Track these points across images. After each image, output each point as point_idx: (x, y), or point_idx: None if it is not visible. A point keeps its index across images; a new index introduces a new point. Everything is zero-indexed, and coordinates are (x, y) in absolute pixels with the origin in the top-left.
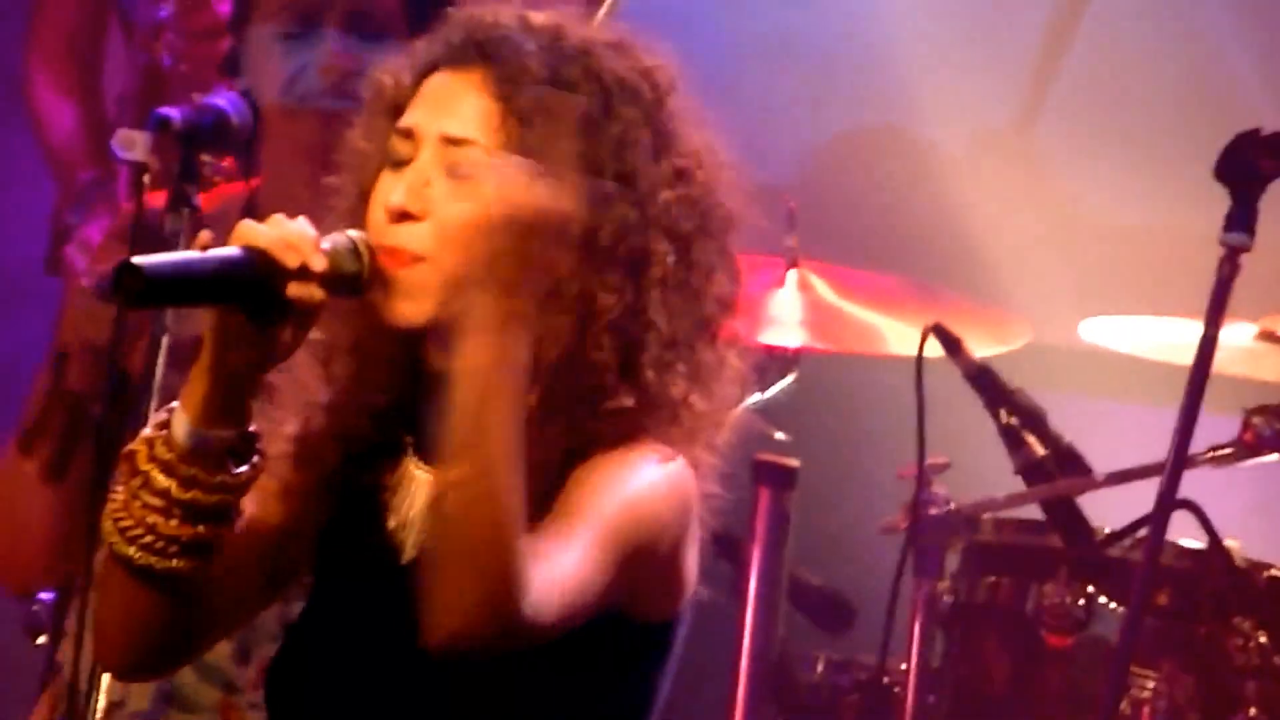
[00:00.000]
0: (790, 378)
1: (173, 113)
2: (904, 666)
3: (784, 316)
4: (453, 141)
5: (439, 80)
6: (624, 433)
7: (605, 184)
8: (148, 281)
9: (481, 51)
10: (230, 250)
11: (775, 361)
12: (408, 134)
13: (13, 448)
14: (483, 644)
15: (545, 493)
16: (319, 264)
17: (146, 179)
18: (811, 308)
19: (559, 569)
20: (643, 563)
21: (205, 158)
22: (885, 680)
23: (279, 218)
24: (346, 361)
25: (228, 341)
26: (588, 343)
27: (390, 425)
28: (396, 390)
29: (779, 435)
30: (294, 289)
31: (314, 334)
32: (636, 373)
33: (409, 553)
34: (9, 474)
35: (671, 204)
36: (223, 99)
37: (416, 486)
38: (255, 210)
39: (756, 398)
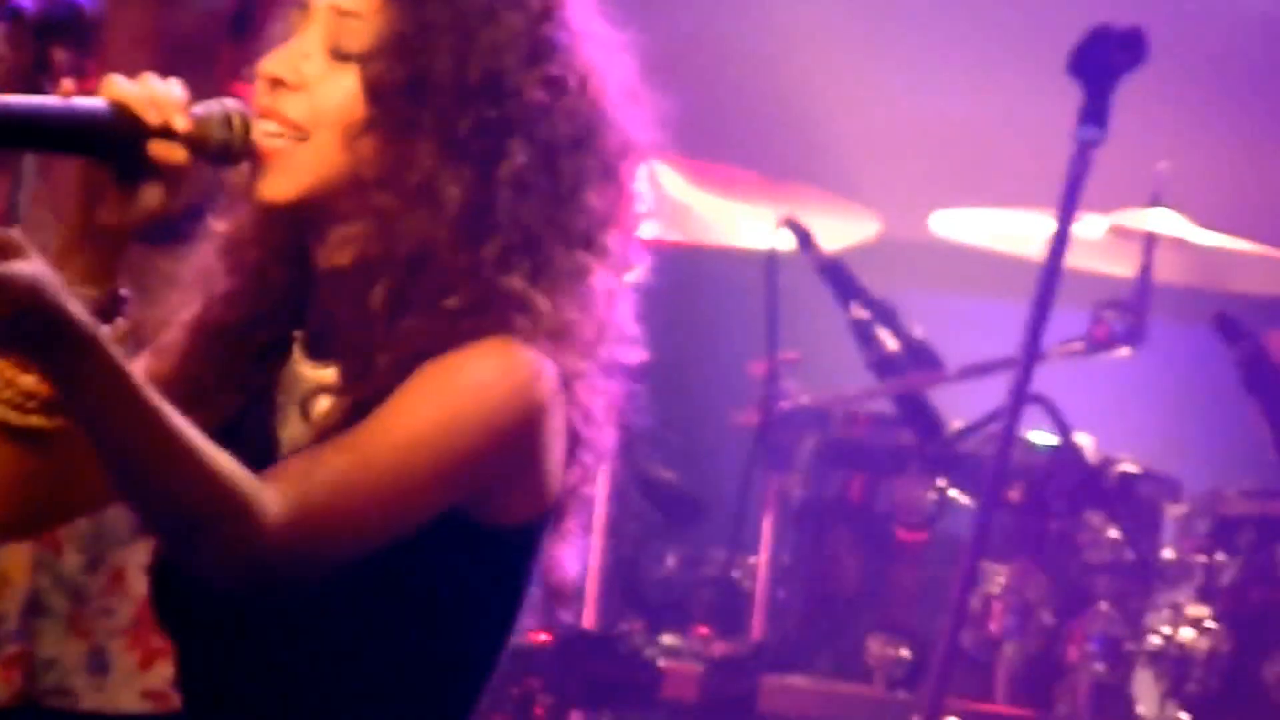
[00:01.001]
0: (637, 269)
1: (25, 3)
2: (754, 561)
3: None
4: (344, 14)
5: None
6: (476, 334)
7: (466, 80)
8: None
9: None
10: (93, 101)
11: None
12: (302, 7)
13: None
14: (248, 579)
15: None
16: (182, 124)
17: None
18: (663, 200)
19: (318, 482)
20: (463, 468)
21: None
22: (736, 575)
23: (148, 75)
24: (244, 252)
25: (94, 198)
26: (432, 237)
27: (283, 322)
28: (288, 285)
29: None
30: (156, 147)
31: (218, 226)
32: (476, 268)
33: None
34: None
35: (536, 109)
36: None
37: (301, 381)
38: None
39: None
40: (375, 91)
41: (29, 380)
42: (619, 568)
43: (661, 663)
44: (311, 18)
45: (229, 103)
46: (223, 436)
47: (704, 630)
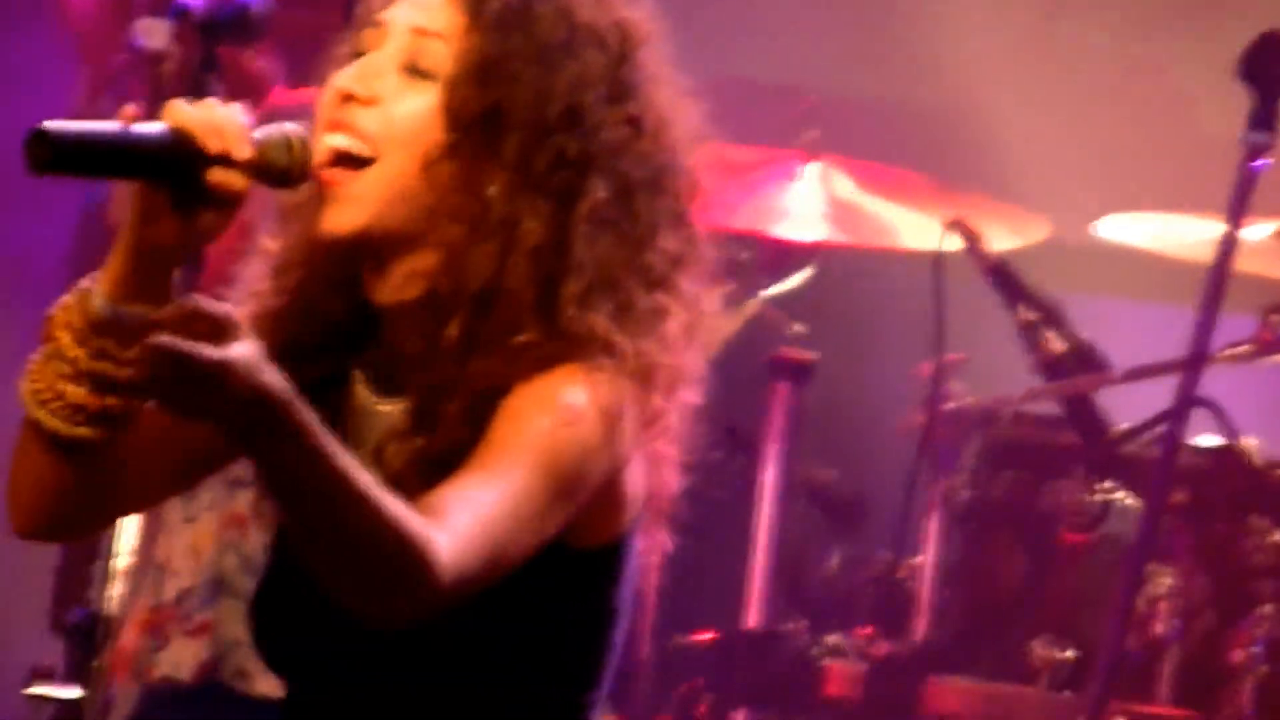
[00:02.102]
0: (807, 271)
1: (194, 2)
2: (918, 562)
3: (803, 210)
4: (422, 33)
5: None
6: (549, 368)
7: (548, 114)
8: (54, 149)
9: None
10: (153, 127)
11: (793, 255)
12: (378, 25)
13: None
14: (411, 621)
15: (471, 430)
16: (243, 152)
17: (166, 69)
18: (831, 201)
19: (474, 519)
20: (573, 489)
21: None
22: (900, 576)
23: (211, 101)
24: (297, 274)
25: (149, 218)
26: (507, 272)
27: (337, 354)
28: (343, 316)
29: (796, 329)
30: (214, 174)
31: (271, 244)
32: (555, 306)
33: None
34: None
35: (616, 147)
36: None
37: (368, 417)
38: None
39: (773, 291)
40: (456, 116)
41: (79, 392)
42: (783, 568)
43: (825, 662)
44: (386, 36)
45: (289, 127)
46: None
47: (868, 630)
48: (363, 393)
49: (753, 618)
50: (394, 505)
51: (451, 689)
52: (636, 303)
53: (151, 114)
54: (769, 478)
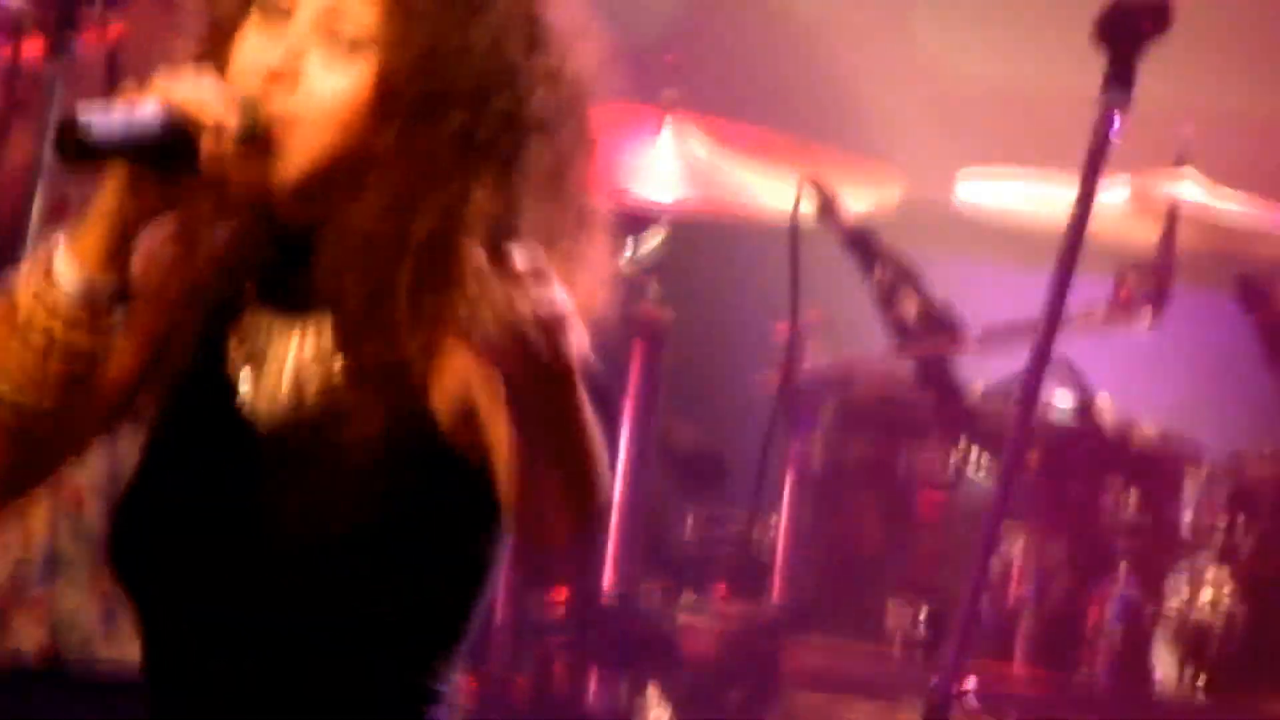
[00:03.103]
0: (663, 231)
1: None
2: (775, 523)
3: (660, 169)
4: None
5: None
6: None
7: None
8: (88, 141)
9: None
10: (150, 109)
11: (650, 215)
12: None
13: None
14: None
15: (434, 358)
16: (233, 122)
17: (25, 24)
18: (687, 161)
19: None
20: None
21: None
22: (756, 537)
23: (192, 72)
24: (199, 209)
25: (134, 192)
26: (456, 229)
27: (236, 276)
28: (244, 241)
29: (652, 289)
30: (208, 146)
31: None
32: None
33: (266, 423)
34: None
35: (544, 102)
36: None
37: (267, 336)
38: (116, 62)
39: (631, 252)
40: (394, 96)
41: (49, 365)
42: (639, 528)
43: (681, 622)
44: (298, 3)
45: (242, 88)
46: (178, 386)
47: (724, 590)
48: (257, 309)
49: (609, 578)
50: None
51: (319, 624)
52: (573, 242)
53: (9, 78)
54: (625, 438)
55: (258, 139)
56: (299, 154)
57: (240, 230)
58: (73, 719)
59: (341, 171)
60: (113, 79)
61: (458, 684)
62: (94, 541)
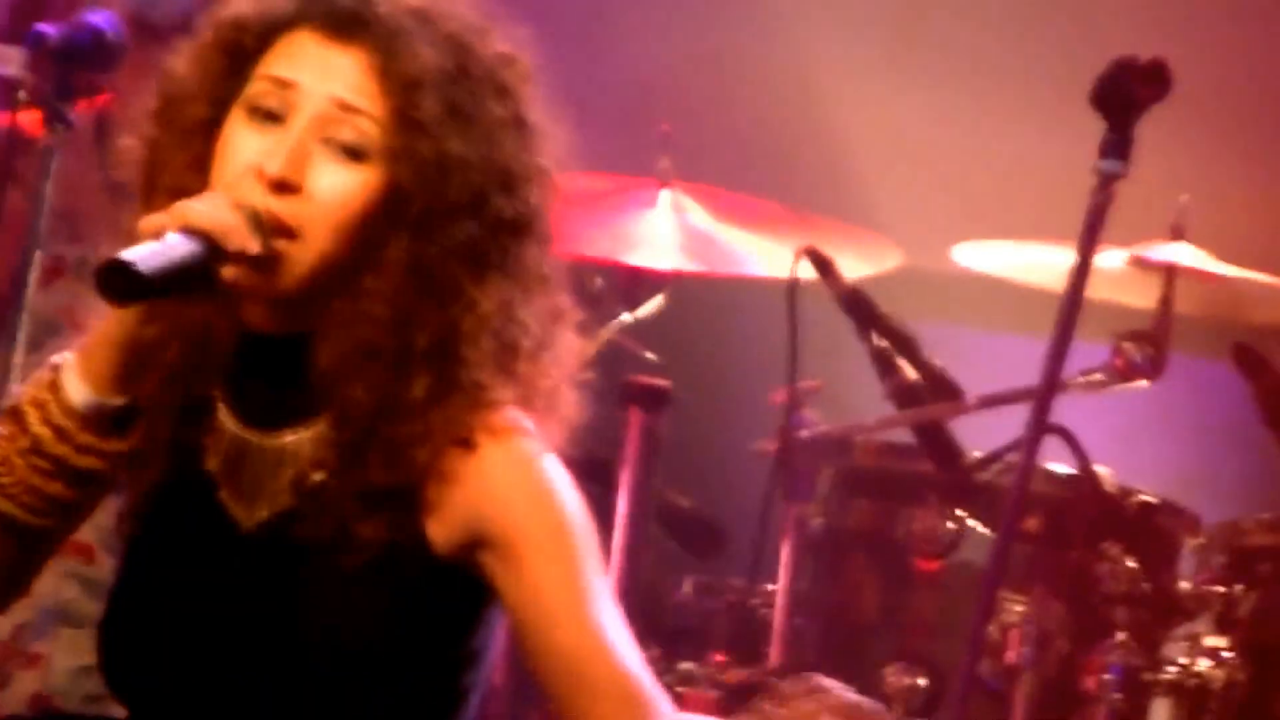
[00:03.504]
0: (660, 299)
1: (49, 29)
2: (772, 589)
3: (657, 238)
4: (347, 108)
5: (312, 41)
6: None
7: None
8: (136, 281)
9: (366, 29)
10: (185, 242)
11: (647, 283)
12: (286, 85)
13: None
14: None
15: (433, 482)
16: (254, 247)
17: (21, 95)
18: (685, 230)
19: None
20: None
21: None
22: (754, 603)
23: (213, 197)
24: (193, 328)
25: (150, 319)
26: (466, 340)
27: (202, 382)
28: (211, 345)
29: (650, 356)
30: (229, 272)
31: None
32: (513, 368)
33: (248, 521)
34: None
35: (533, 201)
36: (100, 17)
37: (233, 443)
38: (105, 126)
39: (628, 319)
40: (399, 208)
41: (54, 487)
42: (636, 595)
43: (678, 689)
44: (298, 102)
45: (250, 203)
46: (155, 502)
47: (721, 657)
48: (227, 417)
49: None
50: None
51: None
52: (559, 345)
53: (9, 147)
54: (623, 505)
55: (269, 256)
56: (301, 264)
57: (208, 337)
58: None
59: (339, 281)
60: (101, 142)
61: None
62: (105, 593)
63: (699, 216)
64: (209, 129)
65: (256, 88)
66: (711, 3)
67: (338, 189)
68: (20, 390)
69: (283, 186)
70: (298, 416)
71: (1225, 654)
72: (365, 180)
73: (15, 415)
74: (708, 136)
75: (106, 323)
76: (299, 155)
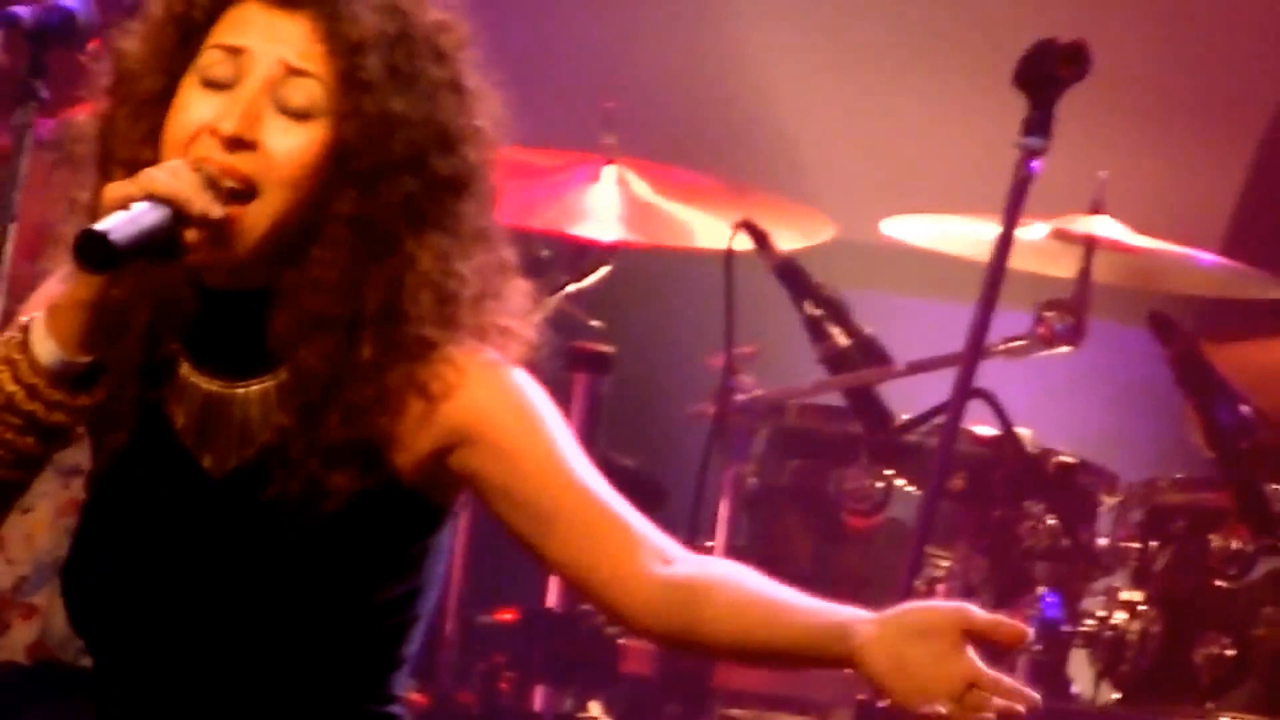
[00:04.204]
0: (605, 269)
1: (23, 11)
2: (710, 545)
3: (601, 211)
4: (294, 71)
5: (259, 10)
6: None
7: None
8: (110, 251)
9: None
10: (153, 210)
11: (591, 254)
12: (235, 52)
13: None
14: None
15: (395, 420)
16: (217, 211)
17: None
18: (628, 203)
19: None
20: None
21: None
22: None
23: (175, 164)
24: (153, 291)
25: (113, 281)
26: (404, 298)
27: (159, 337)
28: (170, 306)
29: (594, 324)
30: (192, 234)
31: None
32: (452, 314)
33: (217, 470)
34: None
35: (470, 160)
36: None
37: (197, 396)
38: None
39: (573, 288)
40: (344, 163)
41: (26, 441)
42: None
43: (620, 640)
44: (248, 66)
45: (204, 165)
46: (126, 456)
47: None
48: (190, 372)
49: (553, 597)
50: None
51: (263, 658)
52: (503, 292)
53: None
54: None
55: (228, 219)
56: (259, 225)
57: (166, 294)
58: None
59: (290, 237)
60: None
61: (406, 701)
62: None
63: (641, 190)
64: (162, 101)
65: (207, 57)
66: None
67: (290, 146)
68: None
69: (238, 143)
70: (259, 368)
71: (1141, 607)
72: (315, 138)
73: None
74: (650, 114)
75: (74, 285)
76: (252, 113)
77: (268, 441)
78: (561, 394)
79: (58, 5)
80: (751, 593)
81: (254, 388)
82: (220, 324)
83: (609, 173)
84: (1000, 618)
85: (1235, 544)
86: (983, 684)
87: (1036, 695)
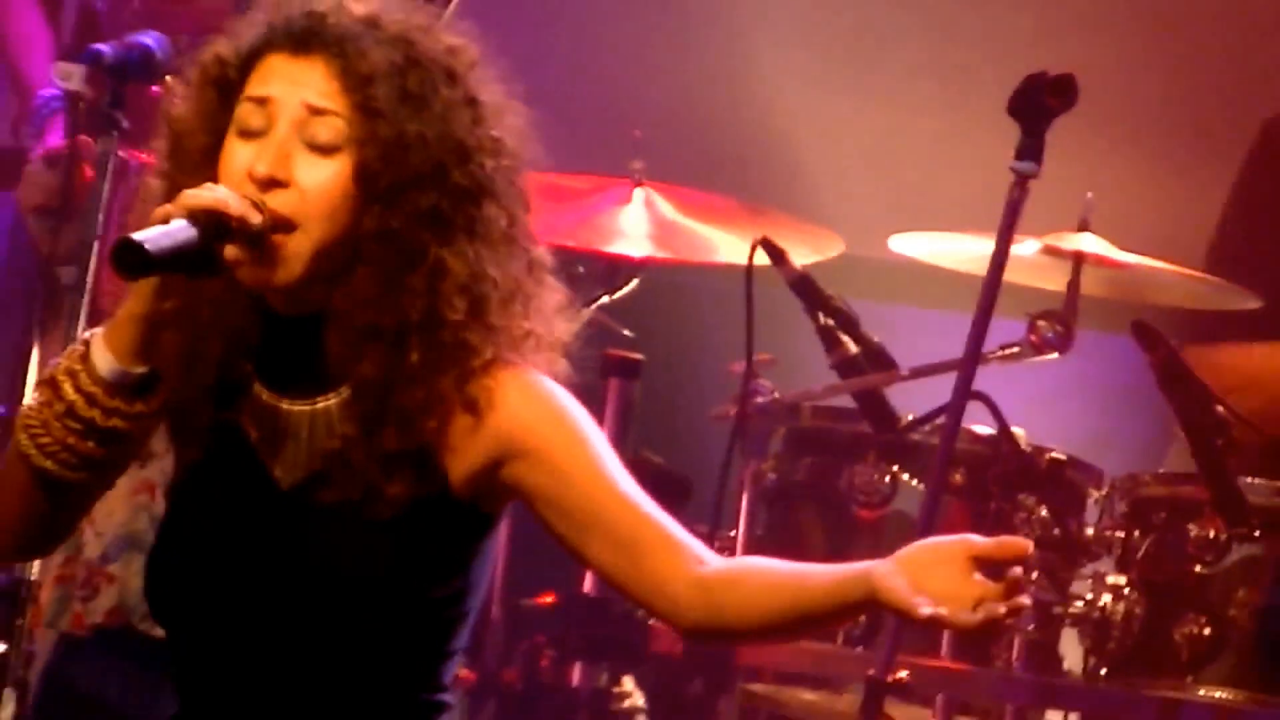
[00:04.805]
0: (635, 283)
1: (105, 48)
2: (733, 535)
3: (631, 230)
4: (316, 110)
5: (280, 60)
6: (493, 365)
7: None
8: (147, 258)
9: (322, 41)
10: (187, 226)
11: (623, 269)
12: (263, 102)
13: None
14: None
15: (445, 431)
16: (255, 217)
17: (81, 106)
18: (655, 223)
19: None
20: None
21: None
22: (716, 547)
23: (211, 186)
24: (213, 303)
25: (161, 295)
26: (441, 303)
27: (233, 362)
28: (239, 333)
29: (626, 333)
30: (232, 251)
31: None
32: (486, 318)
33: (287, 481)
34: None
35: (491, 169)
36: (149, 38)
37: (269, 413)
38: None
39: (606, 300)
40: (369, 187)
41: (87, 445)
42: None
43: (651, 622)
44: (276, 113)
45: (250, 195)
46: (205, 467)
47: None
48: (261, 391)
49: (589, 583)
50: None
51: (325, 651)
52: (531, 293)
53: (69, 146)
54: None
55: (269, 239)
56: (302, 254)
57: (237, 320)
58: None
59: (334, 262)
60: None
61: (456, 679)
62: None
63: (668, 211)
64: (212, 156)
65: (241, 110)
66: (680, 25)
67: (320, 179)
68: (55, 363)
69: (272, 183)
70: (324, 387)
71: (1125, 590)
72: (341, 167)
73: (51, 384)
74: (676, 142)
75: (129, 301)
76: (282, 155)
77: (331, 452)
78: (596, 398)
79: (137, 43)
80: (778, 570)
81: (319, 405)
82: (286, 347)
83: (638, 195)
84: (1002, 537)
85: (1211, 533)
86: (991, 596)
87: (1029, 543)
